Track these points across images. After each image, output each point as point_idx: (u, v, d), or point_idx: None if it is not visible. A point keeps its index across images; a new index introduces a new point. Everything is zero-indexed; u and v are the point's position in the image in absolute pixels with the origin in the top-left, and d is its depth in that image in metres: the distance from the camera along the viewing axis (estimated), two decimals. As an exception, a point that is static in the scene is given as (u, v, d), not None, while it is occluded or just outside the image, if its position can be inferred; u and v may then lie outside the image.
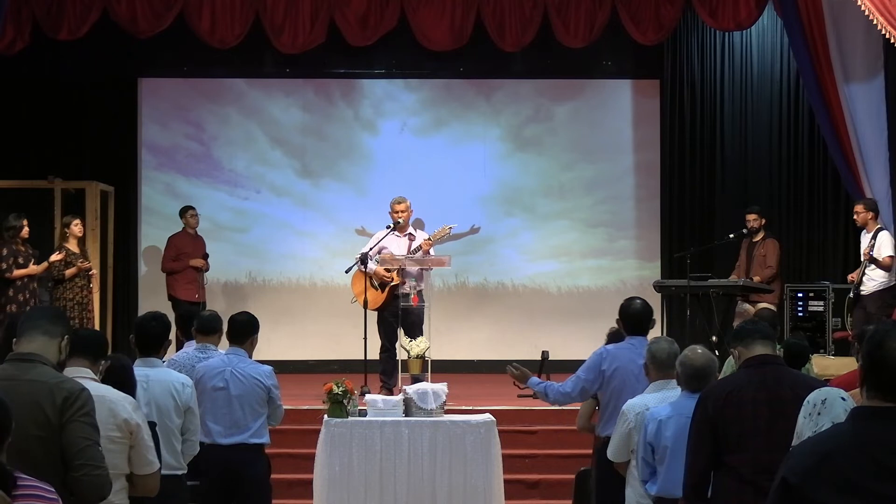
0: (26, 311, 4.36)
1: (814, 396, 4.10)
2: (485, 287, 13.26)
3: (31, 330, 4.11)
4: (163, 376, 5.67)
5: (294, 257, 13.23)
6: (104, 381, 4.64)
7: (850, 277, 10.93)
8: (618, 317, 6.56)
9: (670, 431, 5.16)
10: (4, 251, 10.66)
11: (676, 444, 5.08)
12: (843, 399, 4.07)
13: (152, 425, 5.17)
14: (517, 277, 13.27)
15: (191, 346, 7.09)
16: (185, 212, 12.12)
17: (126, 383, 4.98)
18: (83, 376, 4.40)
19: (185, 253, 11.93)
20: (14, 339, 4.18)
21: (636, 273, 13.19)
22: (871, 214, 10.60)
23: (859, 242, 10.89)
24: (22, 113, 12.74)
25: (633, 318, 6.46)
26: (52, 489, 3.20)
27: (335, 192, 13.24)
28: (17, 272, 10.64)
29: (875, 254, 10.46)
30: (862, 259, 10.63)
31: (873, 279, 10.53)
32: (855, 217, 10.74)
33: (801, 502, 2.79)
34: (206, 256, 12.04)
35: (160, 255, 12.67)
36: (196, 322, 7.09)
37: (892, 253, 10.45)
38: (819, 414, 4.04)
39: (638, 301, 6.54)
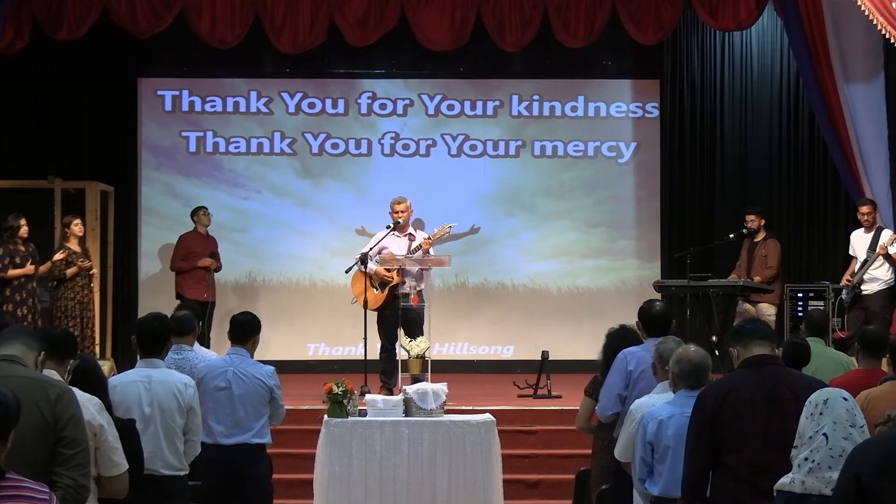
0: (3, 331, 4.39)
1: (815, 397, 4.10)
2: (485, 287, 13.26)
3: (9, 341, 4.21)
4: (165, 377, 5.67)
5: (294, 257, 13.23)
6: (70, 381, 4.62)
7: (845, 280, 10.86)
8: (637, 319, 6.56)
9: (672, 430, 5.17)
10: (0, 251, 10.66)
11: (679, 443, 5.08)
12: (844, 399, 4.07)
13: (130, 423, 5.14)
14: (517, 277, 13.27)
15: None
16: (197, 211, 12.11)
17: (95, 384, 4.90)
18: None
19: (195, 252, 11.89)
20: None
21: (636, 273, 13.19)
22: (877, 213, 10.63)
23: (858, 242, 10.86)
24: (22, 113, 12.73)
25: (655, 321, 6.47)
26: (45, 488, 3.20)
27: (335, 192, 13.24)
28: (12, 272, 10.63)
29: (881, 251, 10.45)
30: (880, 254, 10.48)
31: (877, 278, 10.53)
32: (866, 218, 10.69)
33: (872, 499, 2.79)
34: (213, 255, 11.98)
35: (161, 255, 12.69)
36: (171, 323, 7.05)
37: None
38: (821, 414, 4.04)
39: (658, 304, 6.64)
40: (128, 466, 4.60)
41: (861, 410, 4.90)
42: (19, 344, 4.19)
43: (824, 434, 4.01)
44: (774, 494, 4.19)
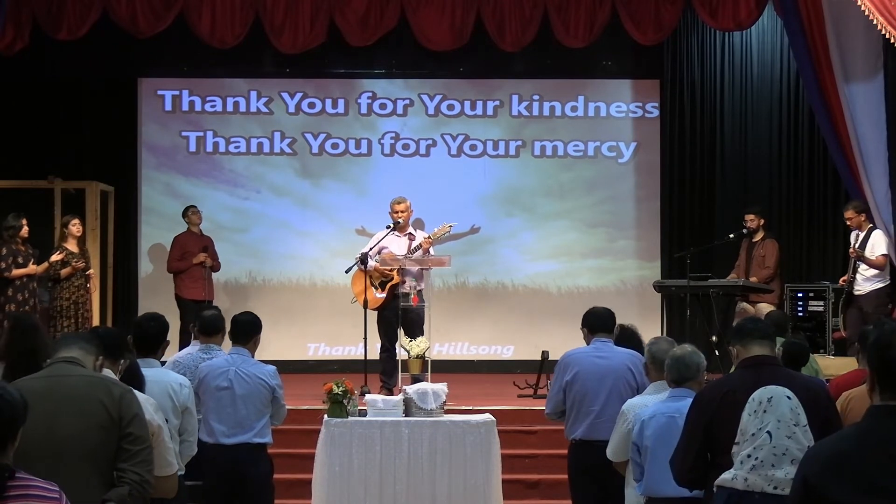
0: (62, 335, 4.46)
1: (759, 394, 4.13)
2: (485, 287, 13.26)
3: (68, 345, 4.27)
4: (160, 377, 5.67)
5: (294, 257, 13.23)
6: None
7: (841, 280, 10.88)
8: (581, 325, 6.73)
9: (650, 430, 5.18)
10: (4, 251, 10.68)
11: (656, 444, 5.11)
12: (788, 398, 4.09)
13: None
14: (517, 277, 13.27)
15: (195, 346, 7.06)
16: (187, 211, 12.10)
17: (136, 382, 4.95)
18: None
19: (190, 252, 11.86)
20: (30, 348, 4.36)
21: (636, 273, 13.19)
22: (862, 217, 10.62)
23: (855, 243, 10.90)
24: (22, 113, 12.73)
25: (595, 317, 6.70)
26: (56, 487, 3.20)
27: (335, 192, 13.24)
28: (17, 272, 10.66)
29: (868, 252, 10.47)
30: (851, 256, 10.63)
31: (868, 279, 10.53)
32: (848, 223, 10.74)
33: (820, 501, 2.80)
34: (205, 249, 11.90)
35: (160, 255, 12.68)
36: (198, 322, 7.07)
37: (885, 252, 10.46)
38: (765, 412, 4.06)
39: (599, 307, 6.85)
40: (178, 467, 4.65)
41: (841, 411, 4.93)
42: (77, 348, 4.25)
43: (768, 432, 4.02)
44: (715, 490, 4.20)
